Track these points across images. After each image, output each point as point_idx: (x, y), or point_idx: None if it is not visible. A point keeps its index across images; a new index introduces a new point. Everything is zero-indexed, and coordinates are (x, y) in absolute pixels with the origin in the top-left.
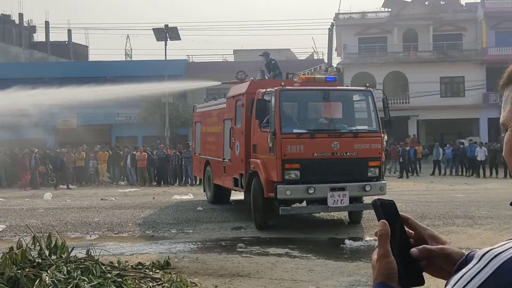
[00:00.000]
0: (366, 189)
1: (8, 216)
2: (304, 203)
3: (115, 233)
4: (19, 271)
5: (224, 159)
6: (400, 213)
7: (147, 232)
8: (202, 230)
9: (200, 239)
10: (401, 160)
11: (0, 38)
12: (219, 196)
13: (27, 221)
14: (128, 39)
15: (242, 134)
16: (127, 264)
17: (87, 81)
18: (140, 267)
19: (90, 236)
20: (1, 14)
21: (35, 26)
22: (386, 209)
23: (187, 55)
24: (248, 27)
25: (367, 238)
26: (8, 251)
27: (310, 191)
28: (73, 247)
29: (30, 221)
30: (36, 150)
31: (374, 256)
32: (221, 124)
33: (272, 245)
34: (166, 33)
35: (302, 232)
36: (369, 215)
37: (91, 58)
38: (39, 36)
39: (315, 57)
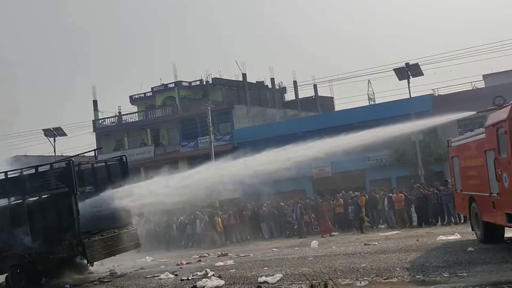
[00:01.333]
0: None
1: (283, 265)
2: None
3: (384, 279)
4: None
5: (491, 193)
6: None
7: (417, 276)
8: (478, 273)
9: (477, 283)
10: None
11: (257, 103)
12: (491, 234)
13: (300, 269)
14: (369, 84)
15: (510, 164)
16: None
17: (335, 130)
18: None
19: (360, 282)
20: (256, 81)
21: (285, 87)
22: None
23: (432, 89)
24: (496, 48)
25: None
26: None
27: None
28: None
29: (302, 269)
30: (300, 200)
31: None
32: (482, 156)
33: None
34: (408, 71)
35: None
36: None
37: (337, 107)
38: (289, 95)
39: None
